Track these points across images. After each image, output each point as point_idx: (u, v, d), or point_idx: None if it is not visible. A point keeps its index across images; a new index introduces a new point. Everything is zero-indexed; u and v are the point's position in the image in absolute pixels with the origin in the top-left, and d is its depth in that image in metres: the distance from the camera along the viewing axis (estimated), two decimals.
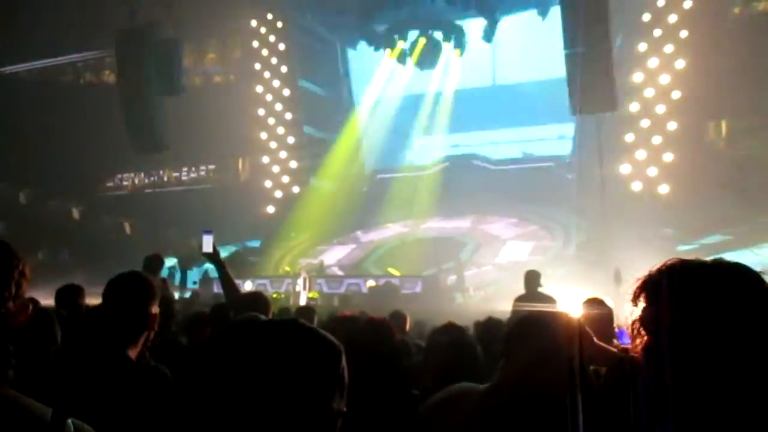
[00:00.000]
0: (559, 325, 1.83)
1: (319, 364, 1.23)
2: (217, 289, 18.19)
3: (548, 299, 6.56)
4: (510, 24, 21.19)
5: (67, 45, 24.02)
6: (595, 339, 1.95)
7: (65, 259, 20.24)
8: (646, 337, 1.39)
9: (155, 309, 2.31)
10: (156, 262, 7.71)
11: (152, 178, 24.31)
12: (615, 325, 3.40)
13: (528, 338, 1.86)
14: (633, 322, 1.44)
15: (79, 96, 24.48)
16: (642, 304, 1.41)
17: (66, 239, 21.00)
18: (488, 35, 20.77)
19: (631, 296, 1.43)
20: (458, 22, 21.72)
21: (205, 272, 19.76)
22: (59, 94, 24.67)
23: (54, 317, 2.73)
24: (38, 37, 22.11)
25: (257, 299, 3.47)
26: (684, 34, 18.18)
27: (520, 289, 6.91)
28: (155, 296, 2.34)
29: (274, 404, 1.17)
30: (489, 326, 4.03)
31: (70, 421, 1.37)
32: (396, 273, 18.15)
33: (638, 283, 1.43)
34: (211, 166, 25.50)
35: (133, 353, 2.23)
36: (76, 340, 2.64)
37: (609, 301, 3.52)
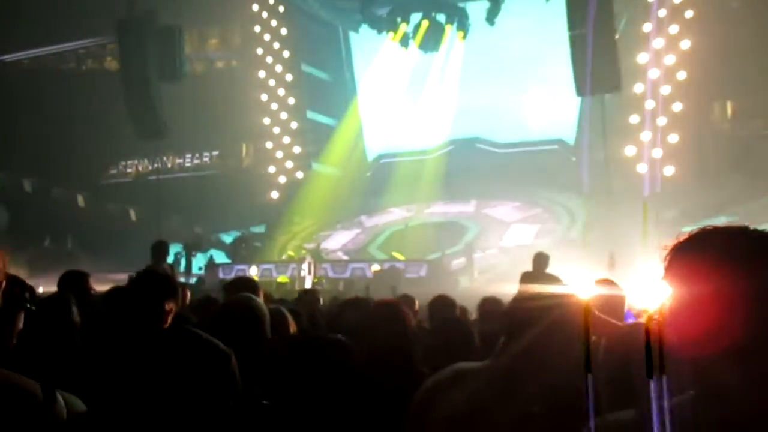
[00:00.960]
0: (564, 300, 1.82)
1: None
2: (222, 274, 18.29)
3: (555, 279, 6.57)
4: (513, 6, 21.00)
5: (68, 33, 23.93)
6: (596, 312, 1.93)
7: (70, 247, 20.30)
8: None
9: (170, 306, 2.52)
10: (162, 248, 7.79)
11: (156, 165, 24.28)
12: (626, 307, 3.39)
13: (532, 314, 1.86)
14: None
15: (81, 83, 24.42)
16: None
17: (71, 227, 21.05)
18: (491, 17, 20.60)
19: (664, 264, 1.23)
20: (461, 4, 21.55)
21: (210, 258, 19.83)
22: (62, 82, 24.62)
23: (71, 300, 2.86)
24: (40, 26, 22.04)
25: (248, 281, 3.58)
26: (689, 14, 18.02)
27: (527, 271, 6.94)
28: (172, 294, 2.56)
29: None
30: (485, 306, 4.05)
31: (58, 393, 1.44)
32: (400, 257, 18.18)
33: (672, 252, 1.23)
34: (215, 152, 25.49)
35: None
36: (98, 321, 2.76)
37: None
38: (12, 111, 20.60)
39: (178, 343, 1.39)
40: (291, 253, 19.47)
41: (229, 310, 2.46)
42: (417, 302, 4.98)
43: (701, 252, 1.19)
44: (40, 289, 9.96)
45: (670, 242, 1.26)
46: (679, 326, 1.15)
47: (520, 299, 1.99)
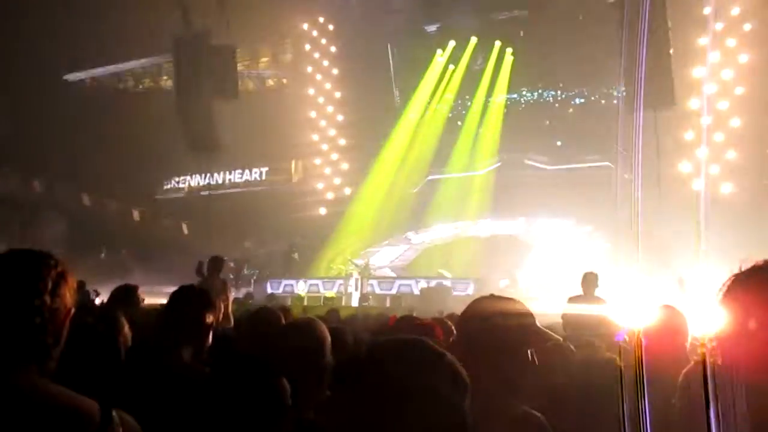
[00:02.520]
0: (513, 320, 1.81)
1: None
2: (270, 289, 18.49)
3: (600, 301, 6.42)
4: None
5: (127, 52, 24.80)
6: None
7: (125, 259, 20.89)
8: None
9: (210, 318, 2.67)
10: (219, 263, 8.00)
11: (208, 181, 24.85)
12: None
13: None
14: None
15: (138, 101, 25.25)
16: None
17: (126, 240, 21.68)
18: (537, 30, 20.42)
19: (721, 297, 1.16)
20: (509, 20, 21.43)
21: (258, 273, 20.07)
22: (120, 100, 25.51)
23: (120, 320, 2.90)
24: (99, 46, 22.90)
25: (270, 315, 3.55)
26: (748, 27, 17.48)
27: (574, 292, 6.77)
28: (210, 307, 2.70)
29: None
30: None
31: (114, 412, 1.44)
32: (448, 274, 18.04)
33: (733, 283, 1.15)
34: (264, 168, 25.89)
35: (187, 354, 2.60)
36: (139, 342, 2.86)
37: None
38: (73, 128, 21.42)
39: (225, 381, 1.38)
40: (341, 266, 19.55)
41: (290, 332, 2.47)
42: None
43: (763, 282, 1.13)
44: (97, 300, 10.24)
45: (727, 264, 1.21)
46: (735, 355, 1.09)
47: (470, 317, 2.00)
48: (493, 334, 1.89)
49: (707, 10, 17.89)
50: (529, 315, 1.94)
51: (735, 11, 17.59)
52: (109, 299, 4.08)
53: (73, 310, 1.56)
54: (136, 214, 24.47)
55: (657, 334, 2.78)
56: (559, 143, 22.14)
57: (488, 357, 1.85)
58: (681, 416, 2.36)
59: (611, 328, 3.51)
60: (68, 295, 1.54)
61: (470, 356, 1.78)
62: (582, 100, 22.42)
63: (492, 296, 2.08)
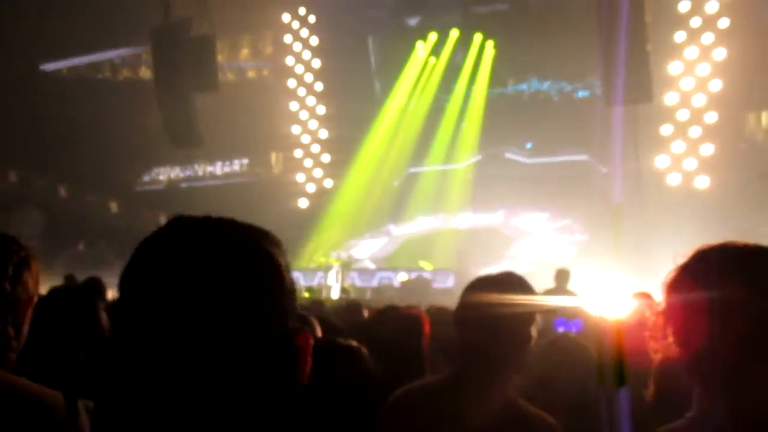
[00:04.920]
0: (509, 308, 1.87)
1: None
2: None
3: (572, 294, 6.61)
4: None
5: (104, 42, 24.47)
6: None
7: (104, 251, 20.71)
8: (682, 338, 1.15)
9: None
10: None
11: (187, 173, 24.65)
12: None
13: (480, 323, 1.88)
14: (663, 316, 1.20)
15: (116, 92, 24.94)
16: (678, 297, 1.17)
17: (104, 232, 21.48)
18: (518, 24, 20.52)
19: (665, 286, 1.19)
20: (490, 13, 21.47)
21: None
22: (97, 91, 25.17)
23: (96, 304, 2.81)
24: (76, 36, 22.57)
25: None
26: (724, 23, 17.74)
27: (551, 284, 6.90)
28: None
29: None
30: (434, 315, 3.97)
31: (80, 403, 1.36)
32: (428, 266, 18.14)
33: (677, 271, 1.19)
34: (245, 161, 25.75)
35: None
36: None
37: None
38: (49, 119, 21.13)
39: None
40: (322, 258, 19.55)
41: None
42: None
43: (698, 268, 1.16)
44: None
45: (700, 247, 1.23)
46: (678, 343, 1.13)
47: (465, 308, 2.01)
48: (496, 337, 1.88)
49: (684, 6, 18.13)
50: (526, 301, 1.95)
51: (712, 7, 17.81)
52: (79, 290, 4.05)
53: (35, 299, 1.45)
54: (113, 206, 24.22)
55: (630, 322, 2.85)
56: (532, 142, 22.28)
57: (490, 358, 1.86)
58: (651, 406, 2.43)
59: (586, 317, 3.59)
60: (31, 283, 1.44)
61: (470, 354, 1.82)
62: (561, 95, 22.59)
63: (483, 285, 2.06)
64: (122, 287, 0.86)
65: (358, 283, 17.89)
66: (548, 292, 6.69)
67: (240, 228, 0.92)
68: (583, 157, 21.38)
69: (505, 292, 1.95)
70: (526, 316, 1.90)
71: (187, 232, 0.88)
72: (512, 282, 1.99)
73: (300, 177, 23.87)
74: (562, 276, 6.93)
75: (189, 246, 0.86)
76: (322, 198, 23.01)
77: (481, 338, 1.87)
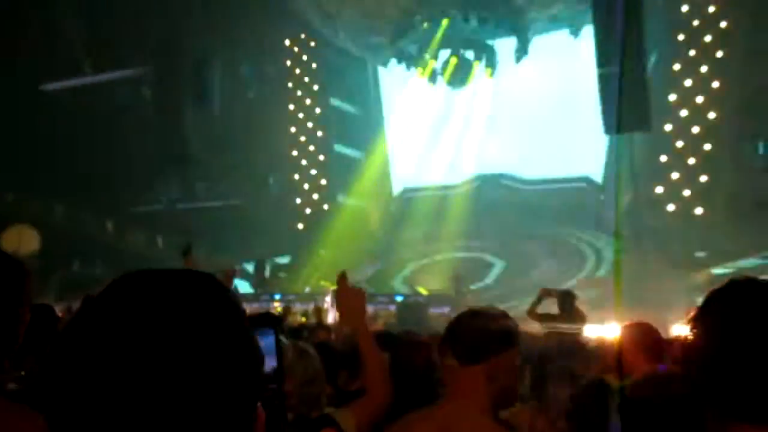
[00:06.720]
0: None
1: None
2: (245, 305, 18.30)
3: (581, 318, 6.56)
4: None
5: (104, 62, 24.58)
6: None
7: (99, 271, 20.58)
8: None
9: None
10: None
11: (184, 194, 24.58)
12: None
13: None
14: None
15: (115, 113, 24.99)
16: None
17: (100, 252, 21.35)
18: (519, 55, 20.74)
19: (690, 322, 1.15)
20: (490, 42, 21.72)
21: (234, 288, 19.88)
22: (96, 111, 25.23)
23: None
24: (77, 56, 22.71)
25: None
26: (720, 54, 17.93)
27: (550, 311, 6.85)
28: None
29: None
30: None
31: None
32: (424, 292, 18.07)
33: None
34: (243, 183, 25.73)
35: None
36: None
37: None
38: (47, 138, 21.14)
39: None
40: (319, 283, 19.44)
41: None
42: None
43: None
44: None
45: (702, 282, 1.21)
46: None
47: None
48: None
49: (681, 37, 18.34)
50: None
51: (708, 38, 18.02)
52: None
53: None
54: (109, 226, 24.11)
55: (628, 351, 2.83)
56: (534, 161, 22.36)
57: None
58: None
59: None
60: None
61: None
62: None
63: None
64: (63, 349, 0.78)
65: None
66: (555, 318, 6.60)
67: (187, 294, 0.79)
68: (582, 185, 21.46)
69: None
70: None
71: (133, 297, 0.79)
72: None
73: (297, 200, 23.87)
74: (565, 299, 6.84)
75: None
76: (319, 221, 22.97)
77: None
